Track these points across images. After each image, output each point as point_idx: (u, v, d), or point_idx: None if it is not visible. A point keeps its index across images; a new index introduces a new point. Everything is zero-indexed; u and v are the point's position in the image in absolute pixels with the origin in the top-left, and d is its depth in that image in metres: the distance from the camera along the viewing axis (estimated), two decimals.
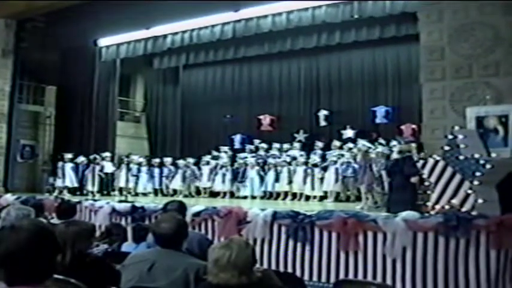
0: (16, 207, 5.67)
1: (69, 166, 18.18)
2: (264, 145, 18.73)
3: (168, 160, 19.44)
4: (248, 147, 19.34)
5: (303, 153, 17.37)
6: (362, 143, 15.03)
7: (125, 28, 18.04)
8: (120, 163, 18.72)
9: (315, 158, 16.52)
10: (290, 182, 16.46)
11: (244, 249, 3.53)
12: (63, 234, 3.96)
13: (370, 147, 14.34)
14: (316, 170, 16.08)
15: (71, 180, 18.08)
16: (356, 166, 14.87)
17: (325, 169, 16.07)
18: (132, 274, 4.07)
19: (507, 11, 10.68)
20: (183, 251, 4.28)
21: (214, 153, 19.21)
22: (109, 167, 18.39)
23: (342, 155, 15.91)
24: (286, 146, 18.26)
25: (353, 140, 16.99)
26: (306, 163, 16.46)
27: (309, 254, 8.70)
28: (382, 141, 15.73)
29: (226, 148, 19.38)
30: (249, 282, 3.45)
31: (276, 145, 18.54)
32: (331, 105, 19.75)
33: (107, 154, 18.61)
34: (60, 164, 18.25)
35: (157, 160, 19.69)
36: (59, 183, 18.01)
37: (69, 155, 18.26)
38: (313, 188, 15.98)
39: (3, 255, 2.17)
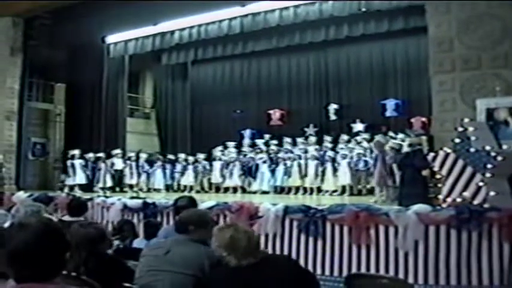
0: (25, 204, 5.68)
1: (78, 163, 18.12)
2: (275, 141, 18.75)
3: (180, 156, 19.50)
4: (257, 141, 19.40)
5: (317, 147, 17.30)
6: (380, 135, 15.06)
7: (133, 24, 17.98)
8: (129, 159, 18.82)
9: (328, 152, 16.49)
10: (302, 176, 16.41)
11: (249, 230, 3.88)
12: (75, 236, 4.01)
13: (389, 140, 14.25)
14: (329, 164, 16.05)
15: (80, 177, 18.03)
16: (369, 159, 14.85)
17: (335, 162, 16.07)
18: (148, 260, 4.16)
19: None
20: (200, 241, 4.33)
21: (226, 148, 19.23)
22: (119, 164, 18.45)
23: (353, 148, 15.90)
24: (299, 140, 18.22)
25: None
26: (318, 158, 16.41)
27: (321, 248, 8.72)
28: (393, 134, 15.64)
29: (233, 144, 19.38)
30: (260, 257, 3.63)
31: (288, 139, 18.52)
32: (341, 99, 19.74)
33: (117, 151, 18.67)
34: (69, 162, 18.21)
35: (170, 156, 19.82)
36: (70, 181, 17.97)
37: (76, 151, 18.24)
38: (325, 182, 15.98)
39: (11, 253, 2.19)
